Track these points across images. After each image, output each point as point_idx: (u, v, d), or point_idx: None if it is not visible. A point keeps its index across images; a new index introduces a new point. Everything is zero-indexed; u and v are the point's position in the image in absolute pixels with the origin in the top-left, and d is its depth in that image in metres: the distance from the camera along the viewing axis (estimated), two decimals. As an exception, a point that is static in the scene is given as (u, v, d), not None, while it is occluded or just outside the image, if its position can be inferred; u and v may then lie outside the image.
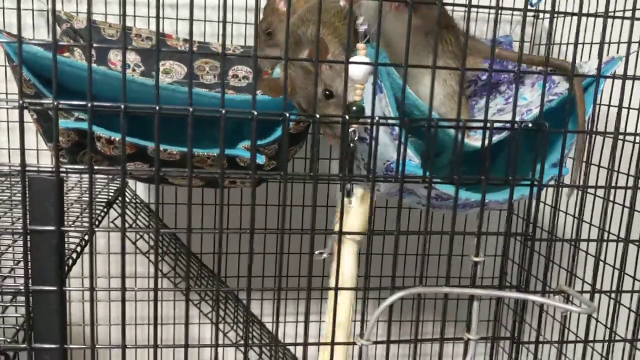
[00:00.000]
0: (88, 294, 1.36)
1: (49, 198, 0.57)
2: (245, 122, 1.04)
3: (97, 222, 1.00)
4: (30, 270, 0.59)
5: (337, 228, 0.88)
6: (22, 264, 0.81)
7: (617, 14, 0.94)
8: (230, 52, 1.29)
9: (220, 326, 1.35)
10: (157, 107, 0.55)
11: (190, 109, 0.56)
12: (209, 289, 1.42)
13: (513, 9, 0.61)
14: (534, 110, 0.91)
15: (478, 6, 0.60)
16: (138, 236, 1.25)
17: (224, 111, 0.56)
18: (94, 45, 1.17)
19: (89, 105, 0.55)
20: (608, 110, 1.18)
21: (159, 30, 0.59)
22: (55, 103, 0.54)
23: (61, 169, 0.57)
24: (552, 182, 0.90)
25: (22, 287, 0.60)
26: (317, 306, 1.51)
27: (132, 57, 1.19)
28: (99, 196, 1.16)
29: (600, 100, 1.13)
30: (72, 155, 0.94)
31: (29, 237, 0.58)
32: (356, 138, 0.66)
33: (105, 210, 1.13)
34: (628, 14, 0.68)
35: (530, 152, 0.74)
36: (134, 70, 1.18)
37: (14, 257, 0.84)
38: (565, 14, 0.63)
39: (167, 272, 1.28)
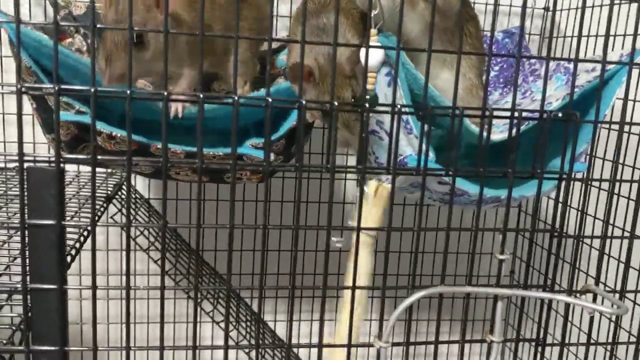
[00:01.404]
0: (85, 292, 1.33)
1: (49, 190, 0.53)
2: (250, 121, 1.01)
3: (96, 218, 0.97)
4: (28, 267, 0.56)
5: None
6: (18, 260, 0.78)
7: None
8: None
9: (223, 325, 1.31)
10: (166, 94, 0.52)
11: (201, 95, 0.52)
12: (217, 287, 1.39)
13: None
14: (554, 103, 0.88)
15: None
16: (138, 232, 1.22)
17: (236, 97, 0.52)
18: (97, 25, 1.14)
19: (92, 90, 0.51)
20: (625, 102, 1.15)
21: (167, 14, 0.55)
22: (57, 88, 0.51)
23: (62, 159, 0.53)
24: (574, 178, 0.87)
25: (19, 285, 0.56)
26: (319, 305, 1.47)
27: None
28: (98, 191, 1.12)
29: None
30: (71, 149, 0.91)
31: (26, 231, 0.54)
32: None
33: (104, 205, 1.10)
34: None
35: (548, 146, 0.70)
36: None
37: (9, 254, 0.81)
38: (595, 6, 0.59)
39: (168, 269, 1.24)
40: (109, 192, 1.14)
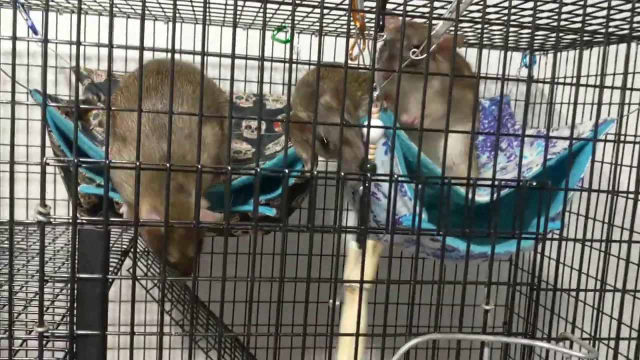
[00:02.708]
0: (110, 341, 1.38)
1: (96, 248, 0.62)
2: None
3: (116, 271, 1.05)
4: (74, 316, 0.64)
5: (347, 276, 0.93)
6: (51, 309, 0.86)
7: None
8: (244, 101, 1.37)
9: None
10: (199, 166, 0.61)
11: (229, 167, 0.61)
12: (241, 334, 1.45)
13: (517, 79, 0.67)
14: (534, 168, 0.97)
15: (486, 77, 0.67)
16: (152, 285, 1.29)
17: (259, 169, 0.62)
18: (112, 109, 1.25)
19: (107, 162, 0.61)
20: (601, 167, 1.25)
21: (172, 88, 0.65)
22: (108, 162, 0.60)
23: (108, 221, 0.62)
24: (550, 236, 0.96)
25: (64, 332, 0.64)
26: (321, 356, 1.55)
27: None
28: (115, 246, 1.21)
29: (601, 158, 1.20)
30: (91, 214, 1.01)
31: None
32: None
33: (122, 259, 1.18)
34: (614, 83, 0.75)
35: (528, 207, 0.80)
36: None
37: (24, 299, 0.88)
38: (565, 84, 0.70)
39: (178, 319, 1.31)
40: (125, 247, 1.22)
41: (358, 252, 0.71)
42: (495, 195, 0.70)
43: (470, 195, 0.70)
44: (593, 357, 0.67)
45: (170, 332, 1.45)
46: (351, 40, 1.04)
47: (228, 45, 1.19)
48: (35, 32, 1.25)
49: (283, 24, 1.28)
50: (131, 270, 1.19)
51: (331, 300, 0.81)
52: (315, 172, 0.64)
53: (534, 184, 0.70)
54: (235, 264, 1.44)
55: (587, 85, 0.72)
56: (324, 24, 1.30)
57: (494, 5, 0.95)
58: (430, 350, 0.71)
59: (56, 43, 0.71)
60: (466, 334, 0.68)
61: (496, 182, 0.69)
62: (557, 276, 0.73)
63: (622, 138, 0.76)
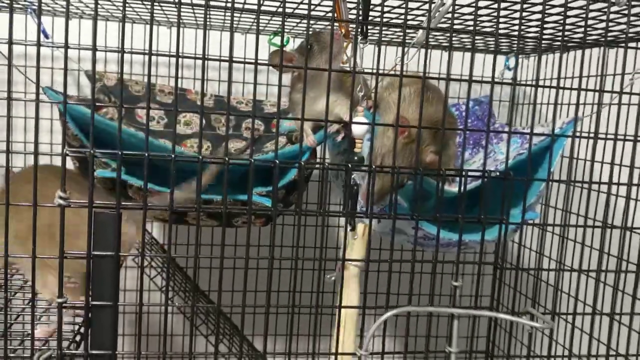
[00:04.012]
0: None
1: (110, 229, 0.70)
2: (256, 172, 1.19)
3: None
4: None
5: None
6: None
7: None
8: (243, 105, 1.46)
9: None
10: (200, 157, 0.70)
11: (227, 158, 0.70)
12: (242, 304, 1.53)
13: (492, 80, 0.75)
14: (509, 162, 1.06)
15: (454, 79, 0.75)
16: (155, 273, 1.38)
17: (253, 160, 0.71)
18: (125, 106, 1.35)
19: (120, 153, 0.70)
20: (564, 160, 1.34)
21: (177, 89, 0.73)
22: (120, 153, 0.69)
23: (120, 205, 0.70)
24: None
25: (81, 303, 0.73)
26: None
27: (156, 111, 1.34)
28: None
29: (572, 153, 1.29)
30: (110, 195, 1.09)
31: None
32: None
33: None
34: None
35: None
36: (158, 122, 1.33)
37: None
38: (525, 84, 0.79)
39: (180, 306, 1.40)
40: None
41: (351, 236, 0.80)
42: (462, 184, 0.78)
43: (441, 185, 0.78)
44: (549, 327, 0.76)
45: (175, 303, 1.53)
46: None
47: (228, 48, 1.28)
48: (47, 37, 1.34)
49: (279, 29, 1.37)
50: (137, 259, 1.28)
51: (331, 277, 0.90)
52: (302, 163, 0.73)
53: (497, 174, 0.79)
54: (234, 254, 1.52)
55: (544, 87, 0.80)
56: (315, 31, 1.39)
57: (468, 14, 1.04)
58: (406, 321, 0.80)
59: (68, 48, 0.79)
60: (437, 307, 0.77)
61: (463, 173, 0.77)
62: (519, 257, 0.81)
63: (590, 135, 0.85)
